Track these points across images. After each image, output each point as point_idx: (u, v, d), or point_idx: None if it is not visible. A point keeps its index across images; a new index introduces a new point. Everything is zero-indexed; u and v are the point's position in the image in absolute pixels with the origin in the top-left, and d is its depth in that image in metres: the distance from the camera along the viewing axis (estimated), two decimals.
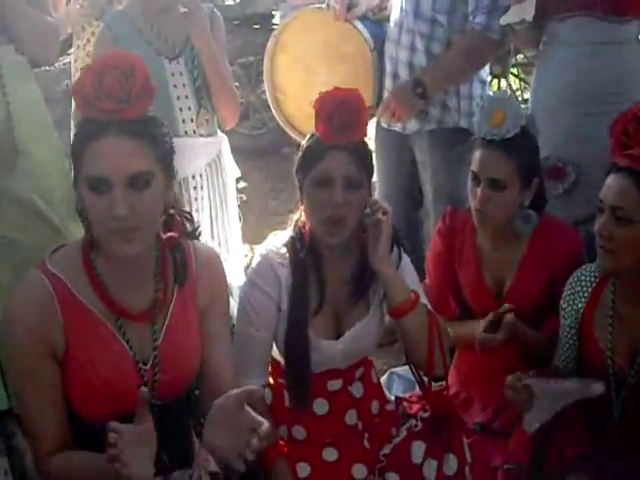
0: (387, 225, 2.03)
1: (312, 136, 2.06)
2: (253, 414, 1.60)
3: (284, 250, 2.09)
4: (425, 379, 2.14)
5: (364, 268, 2.09)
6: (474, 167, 2.35)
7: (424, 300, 2.12)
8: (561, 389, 2.05)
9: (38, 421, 1.74)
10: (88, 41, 3.46)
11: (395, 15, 3.02)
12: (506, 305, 2.33)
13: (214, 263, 1.94)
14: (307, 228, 2.09)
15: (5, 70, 2.27)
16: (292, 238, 2.10)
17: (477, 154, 2.34)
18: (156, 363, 1.80)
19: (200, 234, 1.96)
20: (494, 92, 2.43)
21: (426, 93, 2.90)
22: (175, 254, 1.84)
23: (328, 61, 3.04)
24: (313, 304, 2.08)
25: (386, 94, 3.02)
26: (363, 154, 2.03)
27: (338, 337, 2.11)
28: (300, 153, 2.08)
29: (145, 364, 1.80)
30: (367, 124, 2.04)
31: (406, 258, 2.17)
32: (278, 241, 2.12)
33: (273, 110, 3.16)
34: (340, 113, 1.97)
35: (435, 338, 2.06)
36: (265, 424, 1.59)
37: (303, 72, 3.10)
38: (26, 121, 2.32)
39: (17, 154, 2.27)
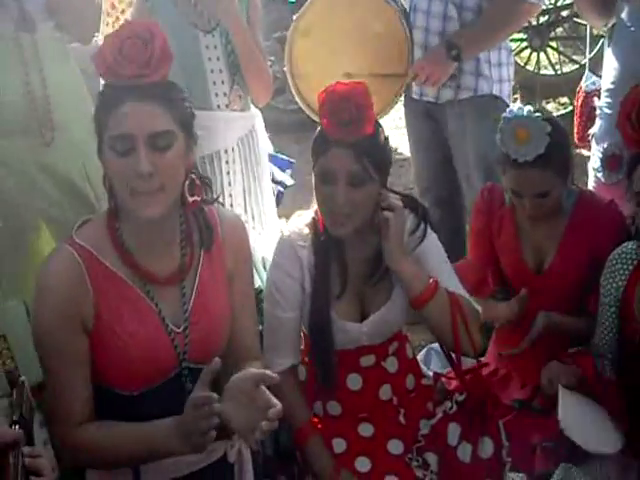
0: (396, 222, 2.01)
1: (321, 129, 2.03)
2: (268, 395, 1.64)
3: (306, 231, 2.09)
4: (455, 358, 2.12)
5: (382, 253, 2.07)
6: (513, 186, 2.30)
7: (449, 279, 2.09)
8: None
9: (66, 394, 1.75)
10: (117, 19, 3.42)
11: None
12: (523, 290, 2.32)
13: (239, 228, 1.96)
14: None
15: (42, 47, 2.28)
16: (314, 220, 2.10)
17: (512, 174, 2.28)
18: (187, 326, 1.82)
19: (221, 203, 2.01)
20: (512, 109, 2.31)
21: (460, 56, 2.88)
22: (199, 218, 1.86)
23: (357, 40, 2.94)
24: (336, 286, 2.08)
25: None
26: (370, 150, 1.97)
27: (363, 319, 2.11)
28: (312, 143, 2.06)
29: (177, 327, 1.81)
30: (373, 120, 1.98)
31: (432, 235, 2.13)
32: (301, 222, 2.12)
33: (296, 97, 3.03)
34: (343, 110, 1.93)
35: (459, 321, 2.03)
36: (278, 406, 1.63)
37: (327, 56, 2.97)
38: (64, 99, 2.33)
39: (54, 130, 2.28)
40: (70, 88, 2.40)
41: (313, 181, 2.04)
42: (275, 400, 1.64)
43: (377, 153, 2.00)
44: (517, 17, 2.96)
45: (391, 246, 2.01)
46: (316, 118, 2.97)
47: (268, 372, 1.69)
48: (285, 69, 3.02)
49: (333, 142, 1.96)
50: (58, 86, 2.30)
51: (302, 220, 2.12)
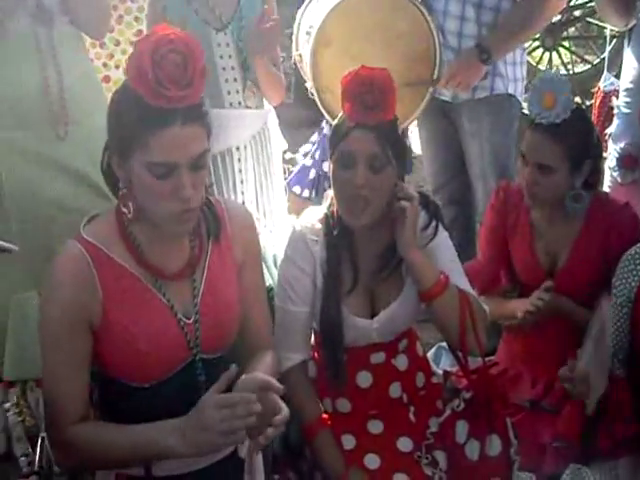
0: (412, 212, 2.00)
1: (341, 115, 2.04)
2: (275, 399, 1.65)
3: (319, 226, 2.09)
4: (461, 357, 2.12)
5: (394, 247, 2.06)
6: (523, 148, 2.32)
7: (459, 278, 2.09)
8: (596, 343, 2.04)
9: (65, 391, 1.74)
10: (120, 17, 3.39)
11: None
12: (549, 282, 2.31)
13: (247, 220, 1.96)
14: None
15: (58, 41, 2.29)
16: (326, 215, 2.10)
17: (527, 135, 2.32)
18: (197, 318, 1.82)
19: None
20: (547, 72, 2.35)
21: (491, 59, 2.89)
22: (206, 211, 1.86)
23: (382, 43, 2.89)
24: (347, 282, 2.08)
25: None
26: (390, 134, 1.99)
27: (374, 315, 2.11)
28: (330, 132, 2.06)
29: (187, 318, 1.81)
30: (394, 105, 1.98)
31: (443, 233, 2.13)
32: (313, 217, 2.12)
33: (324, 112, 2.94)
34: (365, 93, 1.94)
35: (467, 319, 2.03)
36: (284, 412, 1.64)
37: (350, 65, 2.92)
38: (79, 93, 2.34)
39: (69, 124, 2.28)
40: (85, 82, 2.41)
41: (331, 169, 2.04)
42: (282, 405, 1.65)
43: (397, 139, 2.01)
44: (545, 14, 2.95)
45: (406, 236, 2.00)
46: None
47: (274, 382, 1.68)
48: (309, 85, 3.01)
49: (354, 127, 1.97)
50: (73, 80, 2.31)
51: (314, 215, 2.12)
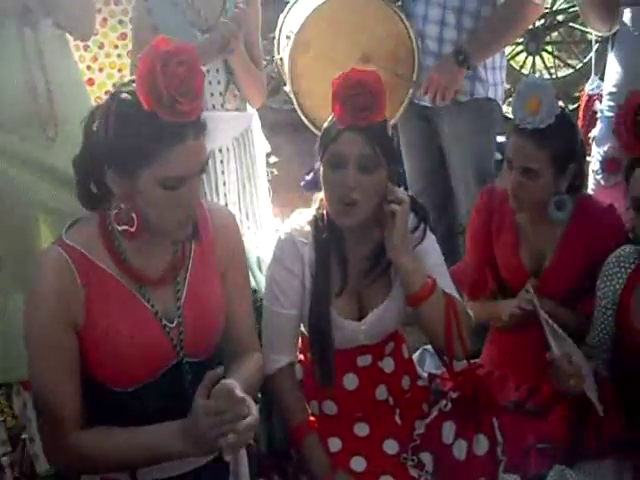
0: (402, 215, 2.00)
1: (331, 118, 2.04)
2: (241, 408, 1.62)
3: (308, 228, 2.09)
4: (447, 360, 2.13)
5: (383, 249, 2.07)
6: (508, 153, 2.33)
7: (445, 282, 2.10)
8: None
9: (59, 397, 1.73)
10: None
11: None
12: (532, 280, 2.32)
13: (230, 221, 1.97)
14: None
15: (44, 43, 2.28)
16: (315, 217, 2.10)
17: (511, 139, 2.32)
18: (181, 321, 1.81)
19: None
20: (530, 77, 2.36)
21: (468, 61, 2.90)
22: None
23: (360, 47, 2.93)
24: (336, 284, 2.08)
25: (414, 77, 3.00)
26: (381, 137, 2.00)
27: (361, 317, 2.11)
28: (319, 135, 2.07)
29: (170, 322, 1.80)
30: (384, 107, 1.99)
31: (431, 237, 2.14)
32: (302, 219, 2.12)
33: (301, 116, 2.99)
34: (356, 95, 1.95)
35: (452, 323, 2.04)
36: (249, 419, 1.61)
37: (332, 69, 2.92)
38: (66, 94, 2.34)
39: (57, 126, 2.28)
40: (72, 83, 2.41)
41: (321, 171, 2.04)
42: (251, 410, 1.63)
43: (387, 140, 2.02)
44: (524, 19, 2.98)
45: (395, 239, 2.00)
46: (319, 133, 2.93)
47: (234, 389, 1.64)
48: (287, 89, 3.00)
49: (344, 129, 1.98)
50: (60, 81, 2.31)
51: (303, 217, 2.13)
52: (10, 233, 2.26)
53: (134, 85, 1.64)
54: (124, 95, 1.66)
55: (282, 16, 3.22)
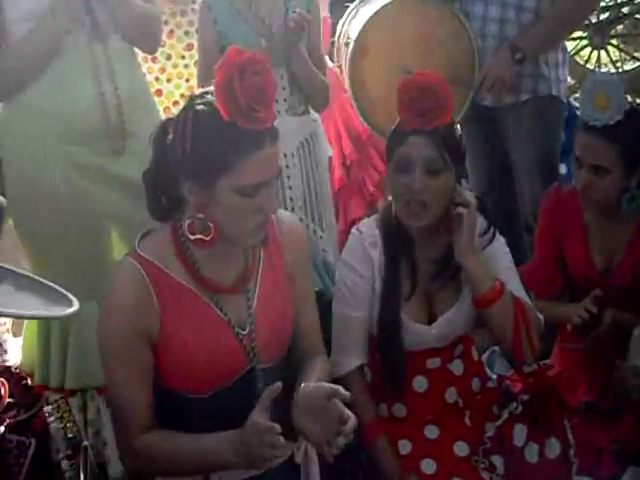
0: (469, 218, 2.00)
1: (398, 121, 2.05)
2: (341, 407, 1.66)
3: (377, 231, 2.10)
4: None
5: (452, 252, 2.06)
6: (577, 151, 2.30)
7: (514, 285, 2.08)
8: None
9: (131, 402, 1.78)
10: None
11: None
12: (596, 290, 2.27)
13: (295, 226, 1.99)
14: None
15: (113, 57, 2.32)
16: (384, 220, 2.11)
17: (580, 138, 2.29)
18: (253, 328, 1.84)
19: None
20: (597, 73, 2.33)
21: (525, 58, 2.87)
22: None
23: (420, 51, 2.92)
24: (405, 286, 2.08)
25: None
26: (447, 139, 2.00)
27: (431, 321, 2.11)
28: (387, 138, 2.09)
29: (242, 329, 1.83)
30: (450, 110, 2.00)
31: (500, 239, 2.13)
32: (371, 222, 2.14)
33: (363, 121, 2.99)
34: (421, 99, 1.96)
35: (521, 327, 2.02)
36: (352, 420, 1.65)
37: (392, 73, 2.87)
38: (134, 107, 2.37)
39: (126, 138, 2.32)
40: (140, 96, 2.45)
41: (389, 174, 2.06)
42: (348, 412, 1.66)
43: (454, 143, 2.02)
44: (582, 13, 2.97)
45: (463, 242, 2.00)
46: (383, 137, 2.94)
47: (341, 389, 1.69)
48: (348, 95, 3.01)
49: (410, 132, 1.99)
50: (129, 95, 2.35)
51: (372, 220, 2.14)
52: (83, 244, 2.32)
53: (208, 96, 1.68)
54: (199, 107, 1.68)
55: (340, 23, 3.24)
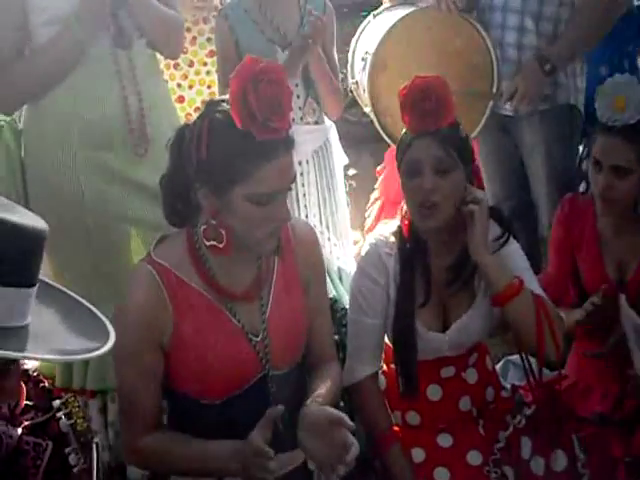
0: (481, 214, 2.00)
1: (404, 129, 2.07)
2: (345, 434, 1.67)
3: (392, 239, 2.11)
4: (535, 370, 2.10)
5: (467, 256, 2.06)
6: (596, 154, 2.30)
7: (533, 284, 2.06)
8: None
9: (138, 402, 1.81)
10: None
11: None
12: (604, 285, 2.27)
13: (310, 234, 2.00)
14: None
15: (137, 62, 2.34)
16: (399, 227, 2.12)
17: (599, 140, 2.30)
18: (266, 335, 1.85)
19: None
20: (616, 75, 2.33)
21: (555, 69, 2.87)
22: None
23: (438, 62, 2.92)
24: (420, 294, 2.08)
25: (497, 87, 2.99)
26: (453, 138, 2.01)
27: (445, 328, 2.11)
28: (396, 147, 2.10)
29: (256, 336, 1.84)
30: (452, 109, 2.01)
31: (515, 244, 2.13)
32: (387, 230, 2.14)
33: (383, 135, 2.98)
34: (422, 101, 1.97)
35: (544, 323, 1.99)
36: (354, 448, 1.66)
37: None
38: (157, 112, 2.39)
39: (148, 143, 2.33)
40: (162, 102, 2.47)
41: (400, 181, 2.06)
42: (352, 440, 1.67)
43: (460, 142, 2.03)
44: (607, 17, 2.90)
45: (476, 239, 2.00)
46: None
47: (346, 419, 1.69)
48: (367, 109, 3.01)
49: (416, 135, 2.00)
50: (152, 100, 2.36)
51: (388, 228, 2.14)
52: (106, 247, 2.33)
53: (224, 104, 1.69)
54: (216, 115, 1.69)
55: (354, 39, 3.24)
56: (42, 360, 1.87)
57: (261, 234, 1.74)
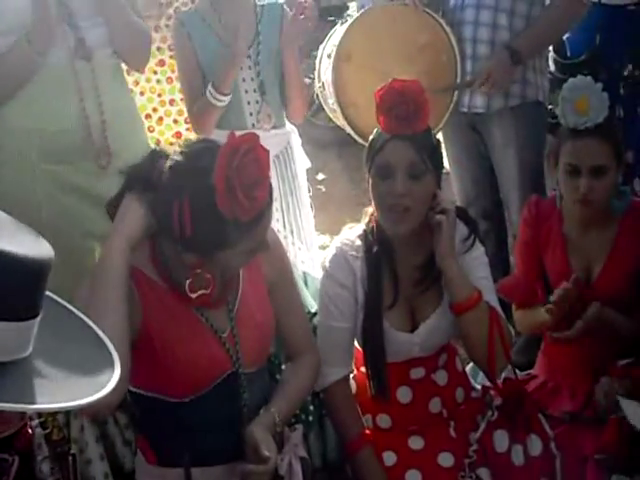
0: (447, 224, 2.01)
1: (376, 130, 2.07)
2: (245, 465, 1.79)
3: (358, 243, 2.11)
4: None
5: (434, 258, 2.07)
6: (570, 159, 2.29)
7: (490, 295, 2.10)
8: None
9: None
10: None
11: None
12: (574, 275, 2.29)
13: (274, 240, 1.99)
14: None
15: (98, 74, 2.30)
16: (365, 231, 2.12)
17: (570, 145, 2.29)
18: (235, 332, 1.87)
19: None
20: (572, 80, 2.34)
21: (521, 61, 2.92)
22: None
23: (402, 57, 2.94)
24: (387, 297, 2.09)
25: (468, 78, 3.01)
26: (426, 143, 2.02)
27: (414, 329, 2.11)
28: (366, 147, 2.10)
29: (224, 333, 1.86)
30: (428, 116, 2.03)
31: (480, 248, 2.14)
32: (352, 234, 2.14)
33: (347, 127, 3.00)
34: (399, 104, 1.97)
35: (496, 336, 2.03)
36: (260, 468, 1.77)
37: (374, 78, 2.77)
38: (120, 125, 2.35)
39: (111, 156, 2.30)
40: (126, 114, 2.43)
41: (370, 183, 2.06)
42: (249, 468, 1.78)
43: (433, 148, 2.04)
44: (573, 15, 3.01)
45: (442, 250, 2.02)
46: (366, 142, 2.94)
47: (261, 447, 1.78)
48: (331, 101, 3.02)
49: (390, 138, 2.00)
50: (115, 112, 2.33)
51: (354, 232, 2.14)
52: (67, 264, 2.26)
53: (205, 161, 1.70)
54: (197, 191, 1.69)
55: (321, 47, 3.23)
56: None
57: (237, 267, 1.85)
